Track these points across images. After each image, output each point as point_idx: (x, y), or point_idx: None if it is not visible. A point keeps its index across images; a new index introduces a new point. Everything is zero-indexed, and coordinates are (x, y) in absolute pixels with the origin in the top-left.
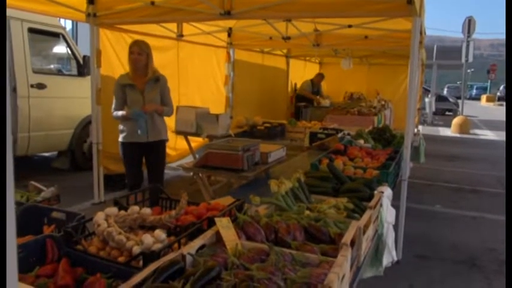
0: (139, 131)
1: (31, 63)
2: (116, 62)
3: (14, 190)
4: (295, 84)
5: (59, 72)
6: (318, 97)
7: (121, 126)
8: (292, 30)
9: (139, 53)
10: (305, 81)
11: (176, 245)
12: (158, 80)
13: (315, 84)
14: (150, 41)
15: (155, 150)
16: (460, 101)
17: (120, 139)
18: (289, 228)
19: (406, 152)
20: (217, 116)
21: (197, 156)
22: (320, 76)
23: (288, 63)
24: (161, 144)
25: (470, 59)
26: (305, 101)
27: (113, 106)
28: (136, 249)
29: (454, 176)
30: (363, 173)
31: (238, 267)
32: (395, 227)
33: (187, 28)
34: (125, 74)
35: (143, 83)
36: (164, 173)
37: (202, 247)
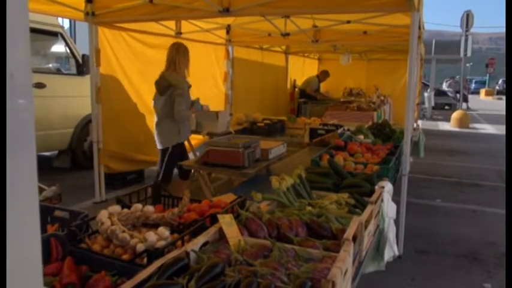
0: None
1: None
2: (114, 61)
3: (38, 191)
4: (295, 81)
5: (58, 72)
6: (321, 93)
7: (181, 128)
8: (290, 27)
9: None
10: (312, 77)
11: (180, 242)
12: None
13: (320, 81)
14: (149, 39)
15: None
16: (459, 95)
17: (178, 140)
18: (291, 224)
19: (406, 147)
20: (217, 113)
21: (198, 153)
22: (325, 74)
23: (287, 60)
24: None
25: (469, 53)
26: (307, 97)
27: (183, 105)
28: (140, 247)
29: (454, 170)
30: (363, 168)
31: (242, 264)
32: (396, 221)
33: (186, 26)
34: (178, 75)
35: None
36: None
37: (205, 244)
